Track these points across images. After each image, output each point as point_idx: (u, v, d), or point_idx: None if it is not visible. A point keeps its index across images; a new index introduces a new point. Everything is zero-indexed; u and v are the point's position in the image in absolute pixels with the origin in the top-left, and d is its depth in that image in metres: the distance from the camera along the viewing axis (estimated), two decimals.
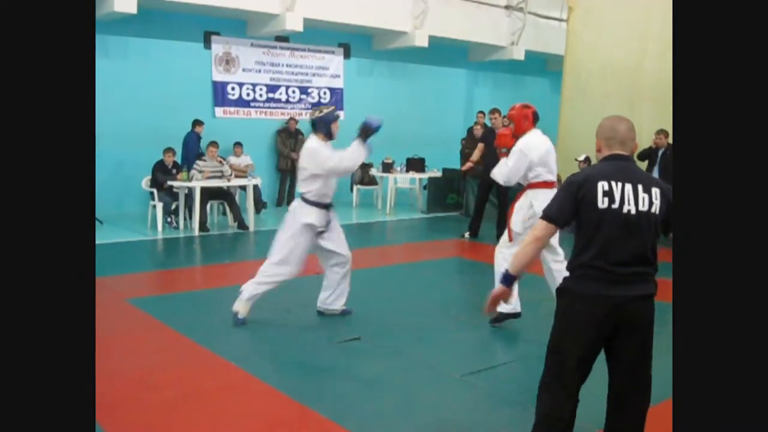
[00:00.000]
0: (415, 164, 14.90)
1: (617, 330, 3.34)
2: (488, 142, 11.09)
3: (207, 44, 13.85)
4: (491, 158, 11.01)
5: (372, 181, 15.26)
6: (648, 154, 12.02)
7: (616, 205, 3.24)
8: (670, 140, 11.79)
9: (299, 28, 13.38)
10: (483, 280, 7.20)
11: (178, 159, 12.08)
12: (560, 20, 16.89)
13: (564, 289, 3.42)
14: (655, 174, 11.78)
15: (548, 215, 3.39)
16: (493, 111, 11.23)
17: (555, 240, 6.10)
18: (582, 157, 13.35)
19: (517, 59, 17.16)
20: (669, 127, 11.91)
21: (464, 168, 11.78)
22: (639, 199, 3.26)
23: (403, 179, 15.30)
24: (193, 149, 12.76)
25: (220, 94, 14.05)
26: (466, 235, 11.29)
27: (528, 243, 3.48)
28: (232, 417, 4.35)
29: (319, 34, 14.92)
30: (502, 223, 11.22)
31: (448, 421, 4.48)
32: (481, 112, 14.25)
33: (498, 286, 3.62)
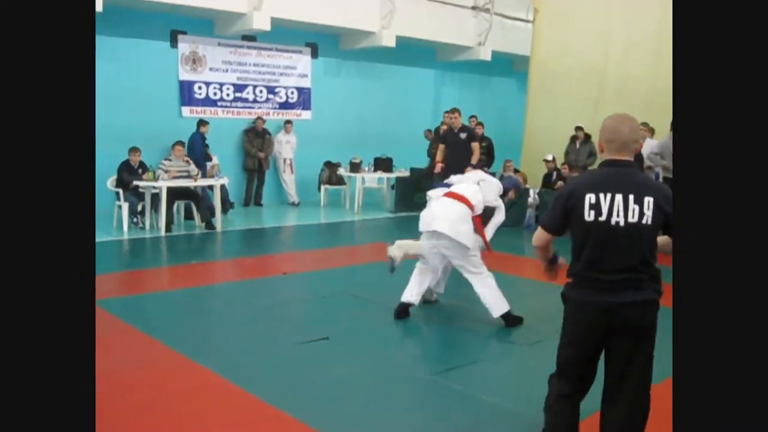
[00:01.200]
0: (383, 164, 14.94)
1: (610, 333, 3.40)
2: (448, 142, 11.21)
3: (174, 43, 13.78)
4: (452, 158, 11.12)
5: (340, 180, 15.27)
6: None
7: (603, 218, 3.29)
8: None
9: (266, 27, 13.36)
10: (450, 279, 7.25)
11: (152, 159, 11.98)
12: (526, 21, 17.04)
13: (564, 295, 3.59)
14: None
15: (544, 224, 3.59)
16: (453, 110, 11.32)
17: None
18: (549, 157, 13.48)
19: (483, 60, 17.27)
20: None
21: (436, 171, 11.79)
22: (629, 211, 3.26)
23: (370, 179, 15.32)
24: (199, 150, 12.79)
25: (186, 93, 13.99)
26: None
27: (535, 249, 3.79)
28: (200, 418, 4.35)
29: (287, 34, 14.90)
30: None
31: (417, 421, 4.52)
32: (448, 111, 14.32)
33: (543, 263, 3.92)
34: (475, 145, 11.33)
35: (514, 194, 7.42)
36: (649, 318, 3.40)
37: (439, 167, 11.64)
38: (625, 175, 3.35)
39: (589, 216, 3.31)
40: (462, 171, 11.19)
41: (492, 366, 5.45)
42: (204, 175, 12.04)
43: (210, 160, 13.18)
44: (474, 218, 6.31)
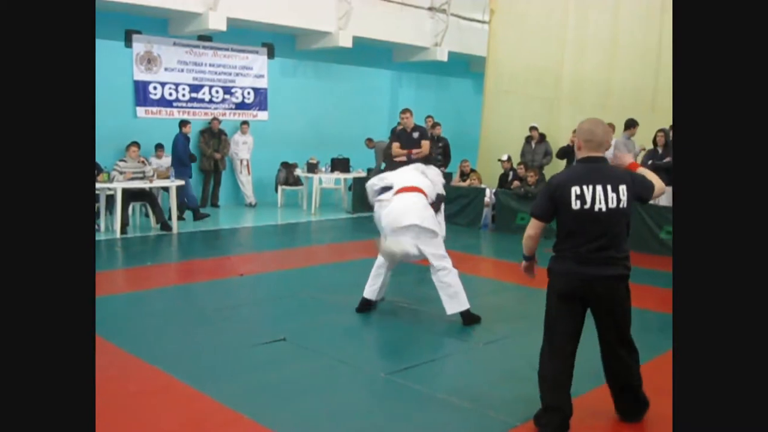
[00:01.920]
0: (340, 164, 14.94)
1: (590, 302, 4.12)
2: (401, 142, 11.25)
3: (128, 43, 13.63)
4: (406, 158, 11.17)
5: (297, 181, 15.24)
6: (566, 152, 12.30)
7: (587, 206, 3.94)
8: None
9: (222, 27, 13.29)
10: (406, 279, 7.29)
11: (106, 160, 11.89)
12: (482, 22, 17.17)
13: (549, 269, 4.21)
14: None
15: (534, 214, 4.21)
16: (405, 111, 11.35)
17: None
18: (505, 157, 13.58)
19: (440, 60, 17.35)
20: None
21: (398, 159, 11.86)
22: (608, 198, 3.93)
23: (328, 179, 15.31)
24: (183, 151, 12.73)
25: (141, 93, 13.85)
26: None
27: (527, 238, 4.32)
28: (156, 421, 4.31)
29: (243, 34, 14.84)
30: None
31: (375, 421, 4.53)
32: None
33: (523, 262, 4.50)
34: (425, 143, 11.39)
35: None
36: (622, 290, 4.13)
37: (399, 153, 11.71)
38: (601, 169, 4.03)
39: (575, 205, 3.95)
40: None
41: (449, 365, 5.48)
42: (189, 176, 12.41)
43: (195, 160, 13.19)
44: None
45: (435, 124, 14.49)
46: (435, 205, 6.55)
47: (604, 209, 3.93)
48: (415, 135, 11.24)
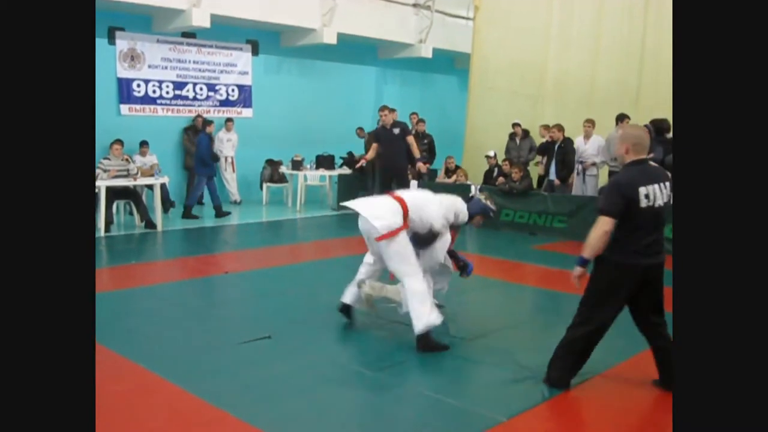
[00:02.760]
0: (325, 161, 14.92)
1: (641, 286, 4.57)
2: (381, 139, 11.25)
3: (111, 40, 13.57)
4: (387, 155, 11.19)
5: (282, 178, 15.21)
6: (546, 148, 12.34)
7: (651, 203, 4.40)
8: (566, 134, 12.17)
9: (206, 24, 13.24)
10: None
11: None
12: (467, 19, 17.21)
13: (606, 259, 4.53)
14: (553, 166, 12.15)
15: (610, 212, 4.43)
16: (382, 108, 11.36)
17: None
18: (491, 153, 13.61)
19: (425, 57, 17.36)
20: (572, 122, 12.26)
21: (357, 165, 11.92)
22: (663, 195, 4.45)
23: (312, 176, 15.30)
24: (205, 151, 12.85)
25: (125, 91, 13.78)
26: None
27: (599, 236, 4.44)
28: (141, 419, 4.30)
29: (227, 31, 14.79)
30: None
31: (360, 418, 4.54)
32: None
33: (578, 268, 4.61)
34: (411, 139, 11.38)
35: (479, 221, 6.52)
36: (662, 272, 4.61)
37: (363, 160, 11.73)
38: (652, 169, 4.54)
39: (644, 203, 4.38)
40: (401, 166, 11.23)
41: (434, 362, 5.47)
42: (214, 174, 12.93)
43: (218, 160, 13.41)
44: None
45: (420, 121, 14.51)
46: (425, 237, 5.85)
47: (660, 204, 4.44)
48: (396, 131, 11.24)
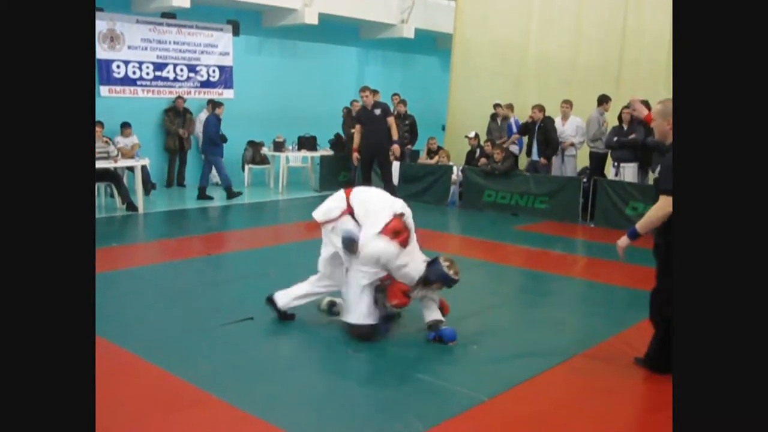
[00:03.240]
0: (307, 143, 14.89)
1: None
2: (363, 120, 11.23)
3: None
4: (369, 136, 11.17)
5: (263, 160, 15.15)
6: (526, 128, 12.36)
7: None
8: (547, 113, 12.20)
9: (186, 4, 13.14)
10: None
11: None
12: None
13: None
14: (535, 146, 12.20)
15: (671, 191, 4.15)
16: (363, 89, 11.33)
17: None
18: (472, 134, 13.62)
19: (407, 37, 17.31)
20: (549, 103, 12.27)
21: (355, 162, 11.78)
22: None
23: (294, 158, 15.26)
24: (214, 132, 13.00)
25: (105, 72, 13.65)
26: None
27: (662, 217, 4.29)
28: (125, 402, 4.29)
29: (207, 11, 14.67)
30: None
31: (342, 399, 4.55)
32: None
33: (625, 239, 4.52)
34: (391, 120, 11.33)
35: (438, 287, 5.61)
36: None
37: (355, 159, 11.59)
38: None
39: None
40: (383, 147, 11.20)
41: (417, 341, 5.47)
42: (221, 156, 13.13)
43: (226, 141, 13.36)
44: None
45: (401, 102, 14.48)
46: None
47: None
48: (377, 112, 11.19)
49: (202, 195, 13.12)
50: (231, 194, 13.13)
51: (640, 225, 4.45)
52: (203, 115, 14.62)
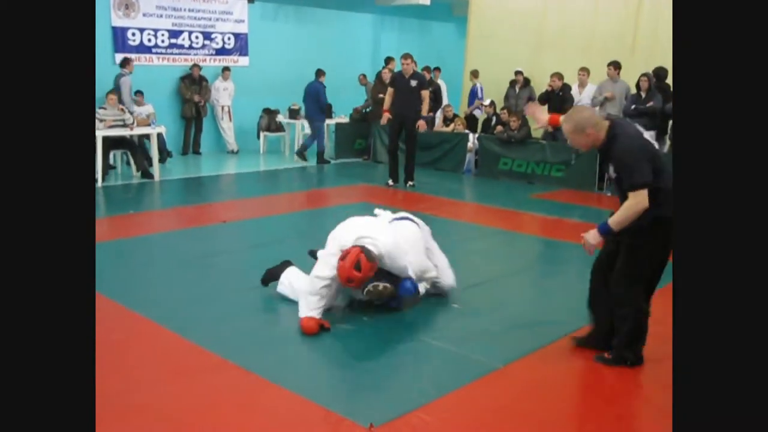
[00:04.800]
0: None
1: None
2: (397, 86, 11.05)
3: None
4: (400, 104, 11.03)
5: (279, 127, 15.13)
6: (547, 97, 12.25)
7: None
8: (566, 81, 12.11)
9: None
10: None
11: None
12: None
13: (663, 217, 3.95)
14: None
15: (645, 182, 4.00)
16: (406, 56, 11.08)
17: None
18: (487, 102, 13.54)
19: (423, 4, 17.12)
20: (567, 71, 12.16)
21: (383, 122, 11.52)
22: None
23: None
24: (324, 100, 13.68)
25: (120, 40, 13.61)
26: (390, 182, 11.35)
27: (639, 210, 4.01)
28: (142, 367, 4.33)
29: None
30: (411, 167, 11.29)
31: (357, 364, 4.58)
32: (391, 58, 14.26)
33: (596, 234, 4.25)
34: (426, 94, 11.14)
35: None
36: None
37: (385, 118, 11.38)
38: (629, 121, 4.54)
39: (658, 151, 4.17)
40: (412, 117, 11.07)
41: (433, 308, 5.48)
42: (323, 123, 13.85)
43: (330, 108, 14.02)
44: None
45: (434, 69, 14.48)
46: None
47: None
48: (413, 83, 11.00)
49: (322, 160, 13.79)
50: (322, 160, 13.72)
51: (614, 222, 4.11)
52: (219, 83, 14.59)
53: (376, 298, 5.15)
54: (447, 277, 5.65)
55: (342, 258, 4.94)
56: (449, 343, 4.80)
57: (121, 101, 12.11)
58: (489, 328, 5.10)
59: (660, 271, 4.31)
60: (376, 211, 5.82)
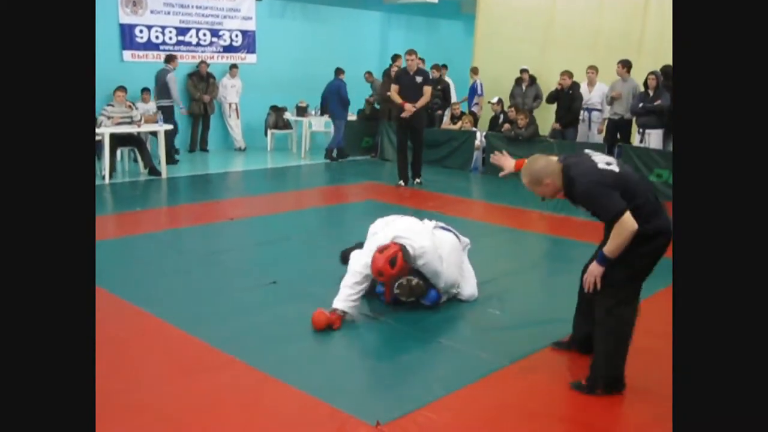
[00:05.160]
0: None
1: None
2: (402, 83, 11.01)
3: None
4: (404, 100, 11.00)
5: (286, 125, 15.13)
6: (557, 96, 12.22)
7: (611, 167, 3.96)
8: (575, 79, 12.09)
9: None
10: None
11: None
12: None
13: (648, 234, 3.84)
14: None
15: (619, 209, 3.79)
16: (410, 52, 11.03)
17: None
18: (495, 100, 13.51)
19: (430, 2, 17.10)
20: (573, 69, 12.12)
21: (404, 115, 11.31)
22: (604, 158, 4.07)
23: (317, 123, 15.20)
24: (346, 98, 13.82)
25: (128, 37, 13.62)
26: (401, 183, 11.23)
27: (630, 234, 3.79)
28: (148, 364, 4.33)
29: None
30: (418, 164, 11.24)
31: (363, 362, 4.57)
32: (398, 55, 14.26)
33: (596, 266, 4.02)
34: (427, 89, 11.08)
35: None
36: None
37: (408, 109, 11.13)
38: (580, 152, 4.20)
39: (609, 167, 3.95)
40: (416, 114, 10.99)
41: (440, 306, 5.48)
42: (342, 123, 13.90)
43: (349, 104, 14.11)
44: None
45: (434, 67, 14.41)
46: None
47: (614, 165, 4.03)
48: (418, 79, 10.93)
49: (330, 156, 13.94)
50: (341, 155, 13.99)
51: (609, 251, 3.91)
52: (227, 81, 14.59)
53: (406, 294, 5.19)
54: (470, 287, 5.66)
55: (380, 250, 5.01)
56: (456, 341, 4.80)
57: (168, 96, 12.74)
58: (496, 326, 5.09)
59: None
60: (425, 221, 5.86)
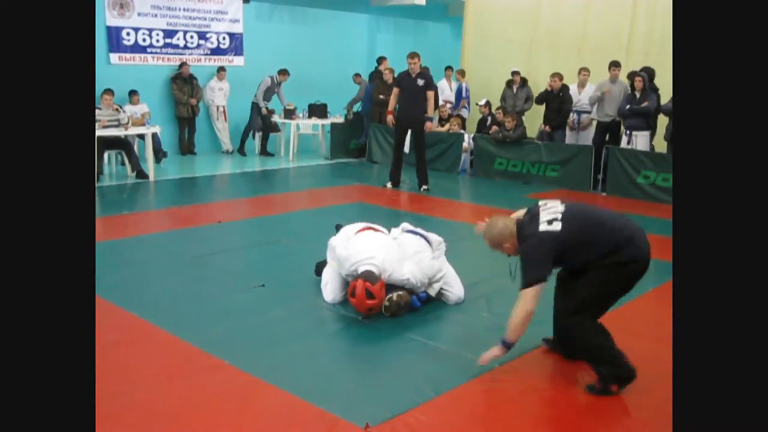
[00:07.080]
0: (318, 110, 14.81)
1: None
2: (403, 86, 10.95)
3: None
4: (405, 103, 10.97)
5: (274, 127, 15.11)
6: (546, 97, 12.26)
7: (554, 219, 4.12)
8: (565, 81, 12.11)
9: None
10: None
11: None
12: None
13: (622, 262, 4.00)
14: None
15: (539, 276, 4.04)
16: (413, 55, 10.90)
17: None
18: (482, 102, 13.54)
19: (418, 4, 17.12)
20: (563, 70, 12.16)
21: (388, 121, 11.35)
22: (551, 209, 4.20)
23: (305, 125, 15.19)
24: (370, 103, 14.29)
25: (114, 39, 13.56)
26: (389, 185, 11.24)
27: (525, 315, 4.03)
28: (137, 368, 4.32)
29: None
30: (423, 171, 11.16)
31: (352, 364, 4.57)
32: (384, 57, 14.33)
33: (500, 348, 4.14)
34: (431, 94, 10.94)
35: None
36: None
37: (390, 121, 11.25)
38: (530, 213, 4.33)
39: (553, 227, 4.09)
40: (417, 119, 10.96)
41: (427, 308, 5.48)
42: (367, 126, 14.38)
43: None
44: None
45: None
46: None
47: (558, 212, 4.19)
48: (420, 82, 10.84)
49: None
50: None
51: (511, 334, 4.09)
52: (214, 83, 14.56)
53: (396, 311, 5.23)
54: (456, 290, 5.69)
55: (351, 296, 5.13)
56: (445, 342, 4.81)
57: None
58: (485, 328, 5.09)
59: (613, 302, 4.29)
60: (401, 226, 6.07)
